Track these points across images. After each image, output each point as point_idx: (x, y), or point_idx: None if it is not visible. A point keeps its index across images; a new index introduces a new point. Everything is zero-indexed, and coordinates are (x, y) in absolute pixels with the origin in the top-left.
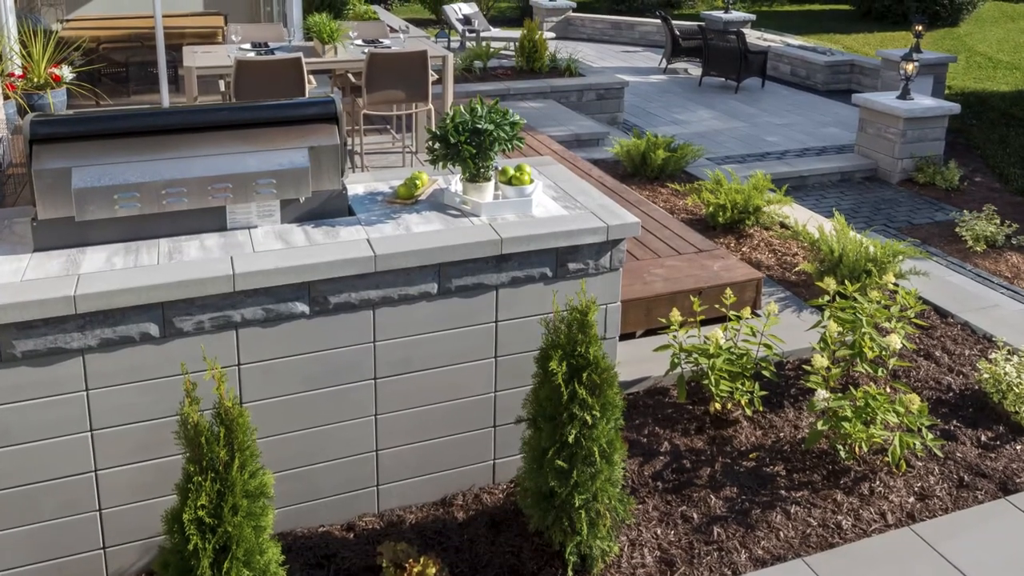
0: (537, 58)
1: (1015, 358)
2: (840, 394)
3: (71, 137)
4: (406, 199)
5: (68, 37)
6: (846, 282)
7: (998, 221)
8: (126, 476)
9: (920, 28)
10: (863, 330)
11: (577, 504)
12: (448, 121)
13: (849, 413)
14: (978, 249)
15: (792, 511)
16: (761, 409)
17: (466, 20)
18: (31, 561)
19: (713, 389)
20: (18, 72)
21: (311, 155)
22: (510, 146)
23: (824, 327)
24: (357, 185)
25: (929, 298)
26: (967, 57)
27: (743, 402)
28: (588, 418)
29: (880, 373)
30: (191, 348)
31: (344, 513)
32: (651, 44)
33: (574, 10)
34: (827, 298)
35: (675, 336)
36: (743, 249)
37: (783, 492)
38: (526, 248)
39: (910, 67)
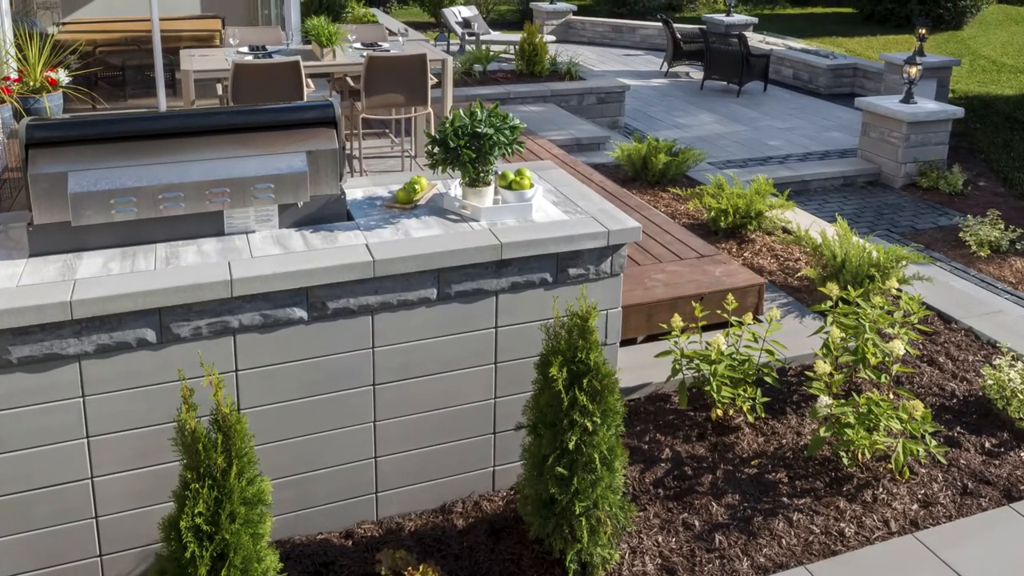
0: (537, 61)
1: (1019, 364)
2: (843, 400)
3: (67, 141)
4: (405, 204)
5: (64, 40)
6: (849, 287)
7: (1002, 226)
8: (123, 483)
9: (923, 31)
10: (866, 336)
11: (578, 511)
12: (447, 125)
13: (852, 420)
14: (982, 254)
15: (794, 518)
16: (763, 415)
17: (465, 23)
18: (27, 569)
19: (715, 395)
20: (14, 76)
21: (309, 159)
22: (510, 150)
23: (827, 333)
24: (356, 190)
25: (933, 304)
26: (971, 60)
27: (745, 408)
28: (589, 424)
29: (883, 379)
30: (188, 354)
31: (343, 520)
32: (652, 47)
33: (574, 13)
34: (830, 304)
35: (676, 342)
36: (745, 254)
37: (785, 499)
38: (526, 253)
39: (913, 71)
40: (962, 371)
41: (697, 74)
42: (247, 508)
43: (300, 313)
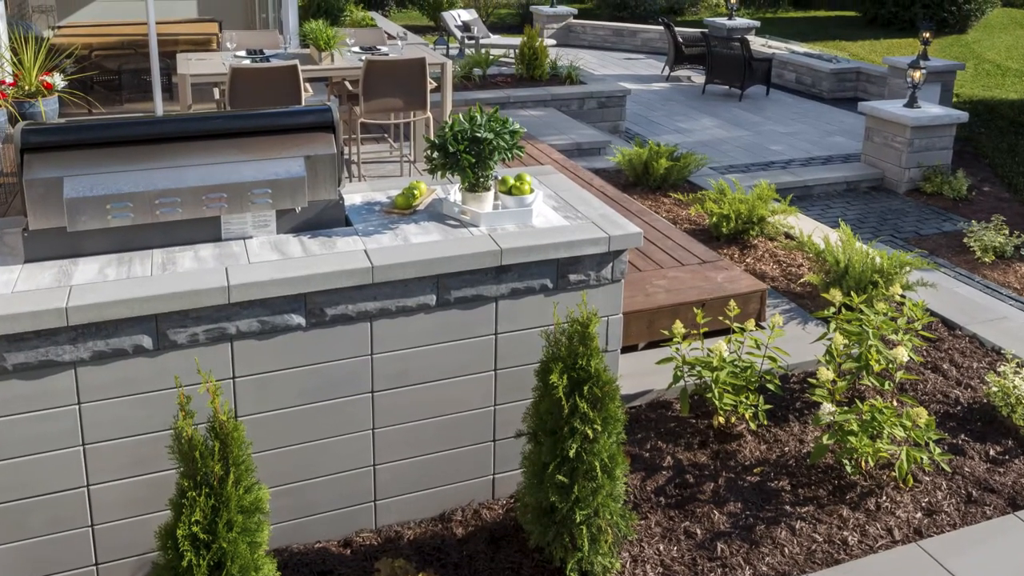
0: (537, 65)
1: None
2: (846, 408)
3: (63, 146)
4: (404, 209)
5: (60, 44)
6: (852, 294)
7: (1007, 231)
8: (119, 491)
9: (927, 35)
10: (869, 342)
11: (578, 520)
12: (447, 130)
13: (855, 427)
14: (986, 260)
15: (797, 527)
16: (765, 423)
17: (465, 27)
18: None
19: (717, 403)
20: (9, 80)
21: (307, 164)
22: (510, 155)
23: (830, 339)
24: (354, 195)
25: (937, 310)
26: (975, 64)
27: (747, 416)
28: (589, 432)
29: (887, 386)
30: (185, 361)
31: (341, 529)
32: (653, 51)
33: (575, 17)
34: (833, 310)
35: (678, 349)
36: (747, 260)
37: (788, 507)
38: (526, 259)
39: (917, 75)
40: (966, 378)
41: (699, 78)
42: (244, 516)
43: (298, 319)
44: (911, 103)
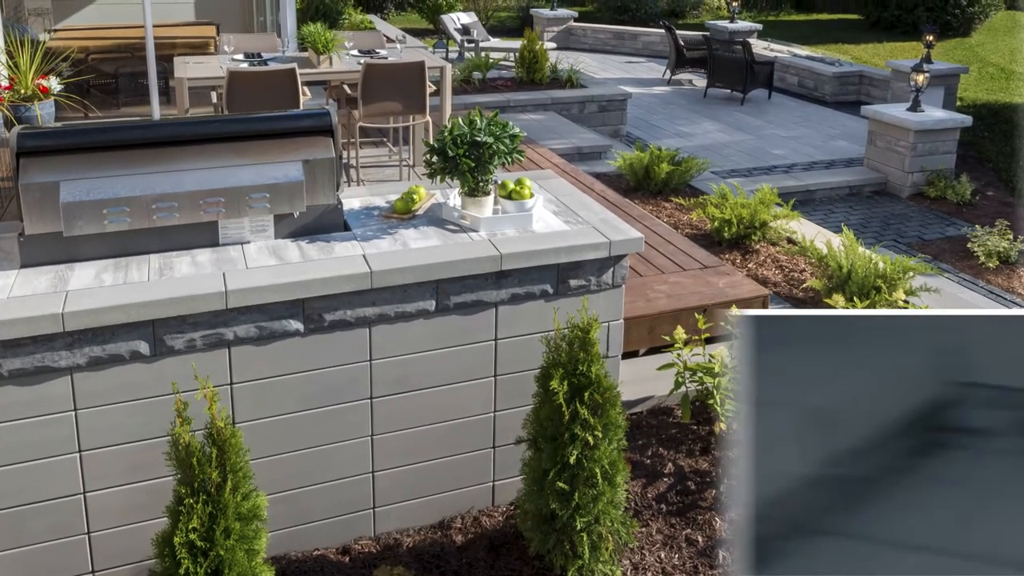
0: (538, 69)
1: None
2: None
3: (59, 150)
4: (403, 214)
5: (56, 47)
6: (855, 299)
7: (1011, 236)
8: (116, 498)
9: (931, 38)
10: None
11: (579, 527)
12: (446, 134)
13: None
14: (991, 265)
15: None
16: None
17: (465, 30)
18: None
19: (719, 409)
20: (4, 83)
21: (306, 169)
22: (510, 159)
23: None
24: (353, 199)
25: None
26: (979, 68)
27: None
28: (590, 438)
29: None
30: (182, 366)
31: (339, 536)
32: (654, 54)
33: (575, 20)
34: None
35: (679, 354)
36: (749, 265)
37: None
38: (526, 264)
39: (920, 78)
40: None
41: (700, 82)
42: (242, 524)
43: (296, 325)
44: (914, 107)
